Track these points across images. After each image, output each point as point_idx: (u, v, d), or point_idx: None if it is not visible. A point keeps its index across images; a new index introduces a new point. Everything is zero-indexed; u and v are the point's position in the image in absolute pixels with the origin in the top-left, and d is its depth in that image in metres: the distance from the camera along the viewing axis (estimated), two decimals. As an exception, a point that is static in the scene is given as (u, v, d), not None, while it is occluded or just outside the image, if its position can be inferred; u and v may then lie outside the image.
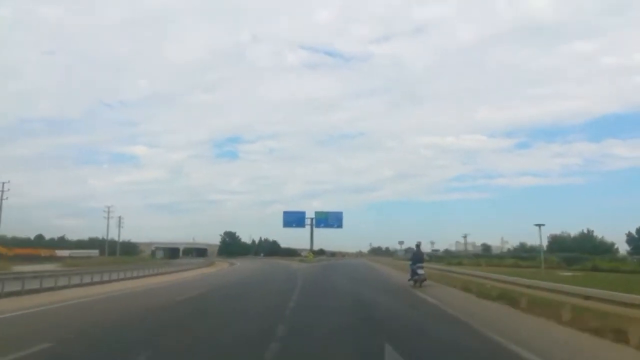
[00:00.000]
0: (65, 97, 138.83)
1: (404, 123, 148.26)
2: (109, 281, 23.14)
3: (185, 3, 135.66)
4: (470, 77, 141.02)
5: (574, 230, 73.26)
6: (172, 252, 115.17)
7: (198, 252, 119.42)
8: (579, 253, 50.89)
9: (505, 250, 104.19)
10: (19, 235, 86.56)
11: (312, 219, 73.60)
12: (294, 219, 74.26)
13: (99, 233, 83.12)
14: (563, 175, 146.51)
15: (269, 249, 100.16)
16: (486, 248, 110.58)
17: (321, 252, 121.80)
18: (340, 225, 74.67)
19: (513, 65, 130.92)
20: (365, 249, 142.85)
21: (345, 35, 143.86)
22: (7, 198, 56.04)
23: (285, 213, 75.42)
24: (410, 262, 21.72)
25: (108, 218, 73.82)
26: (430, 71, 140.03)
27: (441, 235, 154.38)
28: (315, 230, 73.83)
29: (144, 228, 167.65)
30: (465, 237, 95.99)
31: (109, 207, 74.76)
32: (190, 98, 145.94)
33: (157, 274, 30.82)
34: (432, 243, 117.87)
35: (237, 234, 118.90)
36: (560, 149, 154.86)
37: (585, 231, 68.79)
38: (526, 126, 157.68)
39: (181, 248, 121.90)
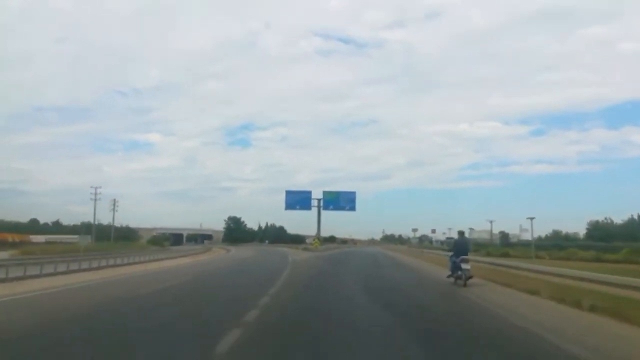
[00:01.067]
0: (77, 85, 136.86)
1: (417, 110, 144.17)
2: (37, 276, 16.96)
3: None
4: (484, 63, 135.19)
5: (616, 217, 62.91)
6: (175, 238, 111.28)
7: (203, 238, 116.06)
8: (625, 241, 43.43)
9: (524, 238, 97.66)
10: (21, 220, 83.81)
11: (319, 200, 61.28)
12: (298, 200, 61.70)
13: (102, 218, 77.82)
14: (580, 163, 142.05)
15: (275, 235, 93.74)
16: (504, 236, 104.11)
17: (332, 239, 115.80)
18: (352, 208, 61.82)
19: (528, 51, 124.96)
20: (377, 236, 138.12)
21: (358, 21, 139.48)
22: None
23: (289, 193, 62.71)
24: (450, 254, 16.06)
25: (95, 200, 67.41)
26: (443, 58, 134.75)
27: (455, 223, 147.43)
28: (325, 213, 61.91)
29: (155, 215, 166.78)
30: (491, 222, 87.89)
31: (96, 189, 67.97)
32: (202, 86, 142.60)
33: (125, 264, 24.89)
34: (452, 230, 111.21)
35: (242, 219, 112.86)
36: (577, 136, 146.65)
37: (636, 217, 58.74)
38: (541, 113, 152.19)
39: (185, 234, 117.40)
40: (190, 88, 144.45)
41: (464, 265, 14.88)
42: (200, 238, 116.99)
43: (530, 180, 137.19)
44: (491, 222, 72.68)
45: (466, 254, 15.47)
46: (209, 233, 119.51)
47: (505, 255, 34.22)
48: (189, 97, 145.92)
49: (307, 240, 64.45)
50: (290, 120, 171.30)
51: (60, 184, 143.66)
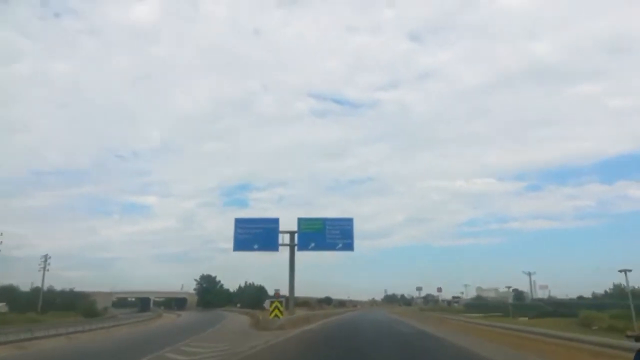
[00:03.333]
0: (76, 149, 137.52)
1: (413, 167, 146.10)
2: None
3: (196, 54, 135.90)
4: (478, 120, 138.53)
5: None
6: (142, 303, 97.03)
7: (177, 302, 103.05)
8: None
9: (541, 296, 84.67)
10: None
11: (291, 234, 36.65)
12: (256, 235, 36.00)
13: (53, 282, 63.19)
14: (577, 218, 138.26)
15: (254, 297, 79.13)
16: (518, 294, 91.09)
17: (327, 300, 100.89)
18: (348, 246, 36.52)
19: (520, 108, 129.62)
20: (378, 296, 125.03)
21: (352, 83, 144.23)
22: None
23: (239, 222, 37.10)
24: None
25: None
26: (437, 116, 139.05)
27: (459, 281, 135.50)
28: (305, 257, 38.24)
29: (144, 278, 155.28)
30: (530, 275, 74.62)
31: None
32: (200, 147, 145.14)
33: None
34: (470, 287, 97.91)
35: (217, 279, 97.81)
36: (573, 191, 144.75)
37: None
38: (536, 169, 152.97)
39: (152, 298, 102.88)
40: (188, 148, 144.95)
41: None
42: (174, 302, 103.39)
43: (529, 236, 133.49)
44: (529, 273, 59.20)
45: None
46: (183, 297, 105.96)
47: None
48: (186, 158, 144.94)
49: (265, 305, 32.02)
50: (287, 179, 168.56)
51: (53, 248, 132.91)
